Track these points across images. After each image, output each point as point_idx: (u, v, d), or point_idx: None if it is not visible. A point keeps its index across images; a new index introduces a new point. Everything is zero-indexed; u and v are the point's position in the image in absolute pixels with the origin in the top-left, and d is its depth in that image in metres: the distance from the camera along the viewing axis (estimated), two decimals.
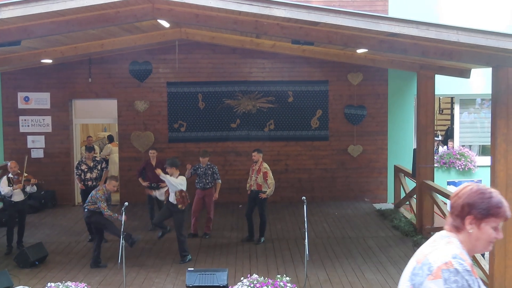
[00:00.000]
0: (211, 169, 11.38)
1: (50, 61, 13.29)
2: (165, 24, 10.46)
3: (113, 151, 16.55)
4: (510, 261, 7.93)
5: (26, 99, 14.47)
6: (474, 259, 9.01)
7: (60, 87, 14.49)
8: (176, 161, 10.31)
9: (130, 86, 14.59)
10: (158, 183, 11.61)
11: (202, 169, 11.36)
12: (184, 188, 10.02)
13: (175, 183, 9.90)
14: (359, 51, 11.43)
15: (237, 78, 14.64)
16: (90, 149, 11.74)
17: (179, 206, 9.90)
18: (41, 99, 14.46)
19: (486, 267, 8.51)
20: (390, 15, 12.46)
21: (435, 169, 12.13)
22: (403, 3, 13.89)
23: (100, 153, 16.94)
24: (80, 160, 11.86)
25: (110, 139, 17.56)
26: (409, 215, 12.83)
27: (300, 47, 12.11)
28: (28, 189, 10.57)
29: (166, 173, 10.30)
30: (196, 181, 11.43)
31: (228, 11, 7.43)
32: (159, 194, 10.98)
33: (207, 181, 11.34)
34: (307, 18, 7.16)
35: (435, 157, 13.57)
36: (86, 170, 11.32)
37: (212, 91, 14.59)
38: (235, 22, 7.99)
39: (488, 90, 8.44)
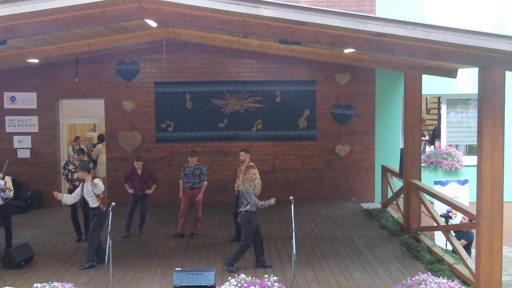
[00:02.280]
0: (199, 169, 11.34)
1: (36, 60, 13.20)
2: (152, 23, 10.43)
3: (103, 152, 16.39)
4: (496, 260, 7.99)
5: (12, 99, 14.36)
6: (461, 258, 9.08)
7: (47, 87, 14.40)
8: (89, 166, 10.18)
9: (117, 86, 14.52)
10: (143, 190, 11.69)
11: (190, 169, 11.31)
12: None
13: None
14: (347, 51, 11.46)
15: (224, 78, 14.62)
16: (80, 151, 11.66)
17: (101, 207, 9.71)
18: (28, 99, 14.35)
19: (472, 266, 8.56)
20: (377, 15, 12.49)
21: (422, 168, 12.18)
22: (390, 3, 13.96)
23: (92, 153, 16.71)
24: (67, 160, 11.78)
25: (101, 139, 17.27)
26: (396, 215, 12.88)
27: (288, 47, 12.12)
28: (1, 194, 10.43)
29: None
30: (184, 181, 11.38)
31: (215, 10, 7.42)
32: (65, 197, 10.22)
33: (195, 181, 11.29)
34: (294, 18, 7.17)
35: (422, 157, 13.64)
36: (73, 170, 11.23)
37: (199, 91, 14.56)
38: (223, 21, 7.98)
39: (475, 90, 8.50)
